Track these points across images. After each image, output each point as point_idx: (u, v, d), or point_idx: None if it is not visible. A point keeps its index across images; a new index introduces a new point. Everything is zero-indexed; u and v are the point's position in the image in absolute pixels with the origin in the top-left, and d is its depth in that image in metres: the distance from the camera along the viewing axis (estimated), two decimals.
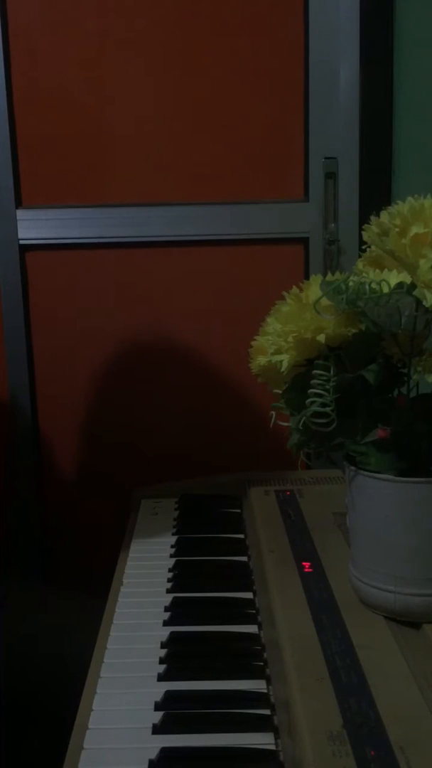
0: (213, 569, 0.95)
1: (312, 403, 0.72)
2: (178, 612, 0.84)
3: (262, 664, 0.74)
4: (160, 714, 0.67)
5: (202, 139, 1.37)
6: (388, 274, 0.70)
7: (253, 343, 0.83)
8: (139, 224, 1.38)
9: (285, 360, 0.75)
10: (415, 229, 0.69)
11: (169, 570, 0.94)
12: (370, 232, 0.73)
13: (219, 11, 1.33)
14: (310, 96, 1.35)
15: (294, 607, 0.78)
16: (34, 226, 1.38)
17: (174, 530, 1.06)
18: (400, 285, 0.69)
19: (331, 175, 1.36)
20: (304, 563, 0.88)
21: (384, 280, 0.69)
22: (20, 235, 1.38)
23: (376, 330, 0.70)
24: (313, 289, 0.75)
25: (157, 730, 0.65)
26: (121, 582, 0.92)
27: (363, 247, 0.76)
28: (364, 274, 0.72)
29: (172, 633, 0.79)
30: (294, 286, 0.79)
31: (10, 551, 1.47)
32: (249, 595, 0.88)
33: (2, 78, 1.34)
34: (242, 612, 0.84)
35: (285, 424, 0.77)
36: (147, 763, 0.61)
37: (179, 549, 1.00)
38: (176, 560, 0.97)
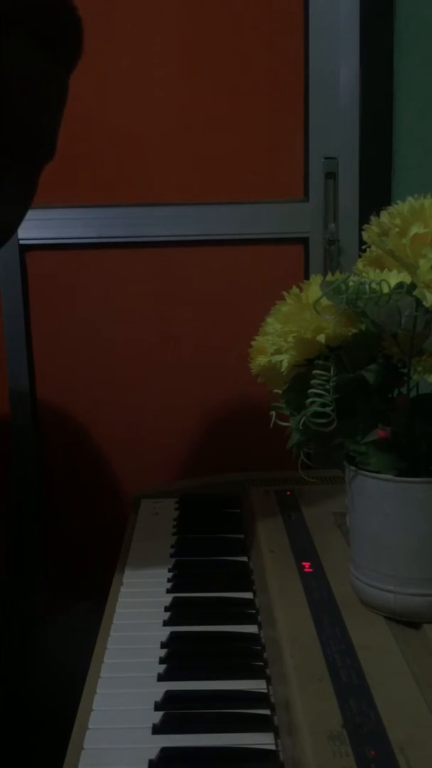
0: (213, 569, 0.95)
1: (312, 403, 0.72)
2: (178, 612, 0.84)
3: (262, 664, 0.74)
4: (160, 714, 0.67)
5: (201, 139, 1.37)
6: (388, 274, 0.70)
7: (253, 343, 0.83)
8: (139, 224, 1.38)
9: (285, 360, 0.75)
10: (415, 229, 0.69)
11: (169, 570, 0.94)
12: (370, 232, 0.73)
13: (218, 11, 1.33)
14: (310, 96, 1.35)
15: (294, 607, 0.78)
16: (34, 226, 1.38)
17: (174, 530, 1.06)
18: (400, 285, 0.69)
19: (331, 175, 1.36)
20: (304, 563, 0.88)
21: (384, 280, 0.69)
22: (20, 235, 1.38)
23: (376, 330, 0.70)
24: (313, 289, 0.75)
25: (157, 730, 0.65)
26: (121, 582, 0.92)
27: (363, 247, 0.76)
28: (364, 274, 0.72)
29: (172, 633, 0.79)
30: (294, 286, 0.79)
31: (9, 551, 1.47)
32: (249, 595, 0.88)
33: None
34: (242, 612, 0.84)
35: (285, 424, 0.77)
36: (147, 763, 0.61)
37: (179, 549, 1.00)
38: (176, 560, 0.97)
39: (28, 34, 0.69)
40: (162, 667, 0.74)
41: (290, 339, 0.74)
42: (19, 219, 0.83)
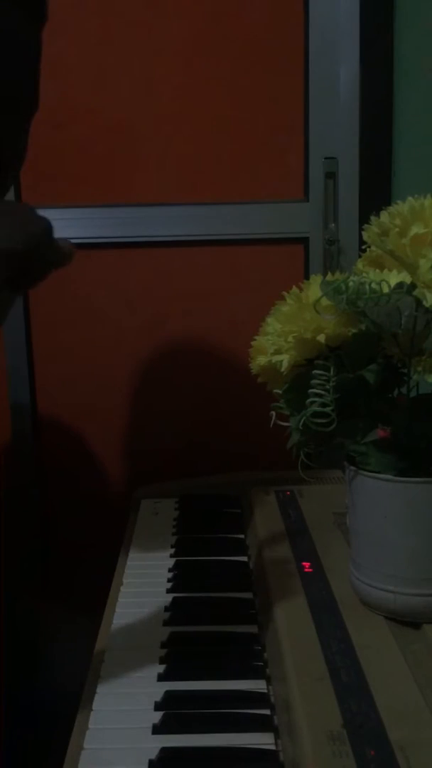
0: (213, 569, 0.95)
1: (312, 403, 0.72)
2: (178, 612, 0.84)
3: (262, 664, 0.74)
4: (160, 714, 0.67)
5: (201, 139, 1.37)
6: (388, 274, 0.70)
7: (253, 343, 0.83)
8: (139, 224, 1.38)
9: (285, 360, 0.75)
10: (415, 229, 0.69)
11: (169, 570, 0.94)
12: (370, 232, 0.73)
13: (218, 11, 1.33)
14: (310, 96, 1.35)
15: (294, 607, 0.78)
16: None
17: (174, 530, 1.06)
18: (400, 285, 0.69)
19: (331, 175, 1.36)
20: (304, 563, 0.88)
21: (384, 280, 0.69)
22: None
23: (376, 330, 0.70)
24: (313, 289, 0.75)
25: (157, 730, 0.65)
26: (121, 582, 0.92)
27: (363, 247, 0.76)
28: (364, 274, 0.72)
29: (172, 633, 0.79)
30: (294, 286, 0.79)
31: (9, 551, 1.47)
32: (249, 595, 0.88)
33: None
34: (242, 612, 0.84)
35: (285, 424, 0.77)
36: (147, 763, 0.61)
37: (179, 549, 1.00)
38: (176, 560, 0.97)
39: None
40: (162, 667, 0.74)
41: (290, 339, 0.74)
42: (12, 179, 0.85)
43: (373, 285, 0.68)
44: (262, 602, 0.84)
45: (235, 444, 1.44)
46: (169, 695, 0.69)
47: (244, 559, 0.97)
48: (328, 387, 0.72)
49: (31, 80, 0.83)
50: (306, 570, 0.86)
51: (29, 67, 0.82)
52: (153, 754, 0.62)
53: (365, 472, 0.73)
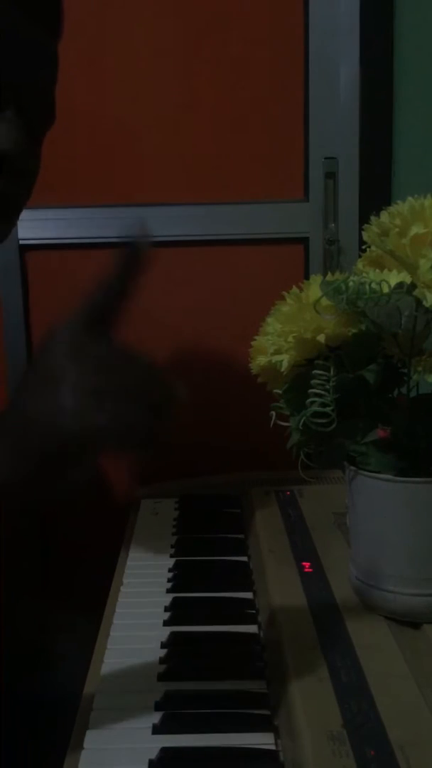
0: (213, 569, 0.95)
1: (312, 403, 0.72)
2: (178, 612, 0.84)
3: (262, 664, 0.74)
4: (160, 714, 0.67)
5: (201, 139, 1.37)
6: (388, 274, 0.70)
7: (253, 343, 0.83)
8: None
9: (285, 360, 0.75)
10: (415, 229, 0.69)
11: (169, 570, 0.94)
12: (370, 232, 0.73)
13: (218, 11, 1.33)
14: (310, 96, 1.35)
15: (294, 607, 0.78)
16: (34, 226, 1.38)
17: (174, 530, 1.06)
18: (400, 285, 0.69)
19: (331, 175, 1.36)
20: (304, 563, 0.88)
21: (384, 280, 0.69)
22: (20, 235, 1.38)
23: (376, 330, 0.70)
24: (313, 289, 0.75)
25: (157, 730, 0.65)
26: (121, 582, 0.92)
27: (363, 247, 0.76)
28: (364, 274, 0.72)
29: (172, 633, 0.79)
30: (294, 286, 0.79)
31: (9, 551, 1.47)
32: (249, 595, 0.88)
33: None
34: (242, 612, 0.84)
35: (285, 424, 0.77)
36: (147, 763, 0.61)
37: (179, 549, 1.00)
38: (176, 560, 0.97)
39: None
40: (162, 667, 0.74)
41: (290, 339, 0.74)
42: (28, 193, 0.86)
43: (373, 285, 0.68)
44: (262, 602, 0.84)
45: (236, 444, 1.44)
46: (169, 695, 0.69)
47: (244, 559, 0.97)
48: (328, 387, 0.72)
49: (50, 93, 0.84)
50: (306, 570, 0.86)
51: (49, 80, 0.83)
52: (153, 754, 0.62)
53: (365, 472, 0.73)
